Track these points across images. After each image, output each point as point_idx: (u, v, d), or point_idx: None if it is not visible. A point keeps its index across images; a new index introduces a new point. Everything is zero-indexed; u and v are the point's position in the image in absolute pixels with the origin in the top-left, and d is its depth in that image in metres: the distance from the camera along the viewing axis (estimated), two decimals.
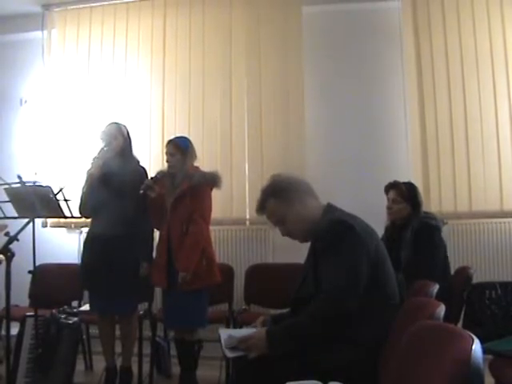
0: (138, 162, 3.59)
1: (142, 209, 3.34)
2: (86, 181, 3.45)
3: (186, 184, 3.30)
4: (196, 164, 3.46)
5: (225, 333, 2.16)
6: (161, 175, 3.39)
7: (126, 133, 3.56)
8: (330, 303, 1.92)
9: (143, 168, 3.57)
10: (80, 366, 3.78)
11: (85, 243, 3.53)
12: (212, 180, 3.36)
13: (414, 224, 3.23)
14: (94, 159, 3.47)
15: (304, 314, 1.98)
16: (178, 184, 3.35)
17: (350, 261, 1.96)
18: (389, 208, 3.37)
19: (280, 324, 2.08)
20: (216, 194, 3.46)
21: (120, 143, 3.49)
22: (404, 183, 3.42)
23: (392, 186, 3.41)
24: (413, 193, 3.36)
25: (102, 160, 3.42)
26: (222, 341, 2.07)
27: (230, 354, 2.01)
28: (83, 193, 3.47)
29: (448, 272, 3.26)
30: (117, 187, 3.31)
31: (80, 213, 3.47)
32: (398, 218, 3.35)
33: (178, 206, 3.30)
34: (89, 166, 3.46)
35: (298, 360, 1.89)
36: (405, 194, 3.33)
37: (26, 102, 4.98)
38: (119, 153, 3.48)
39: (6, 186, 3.13)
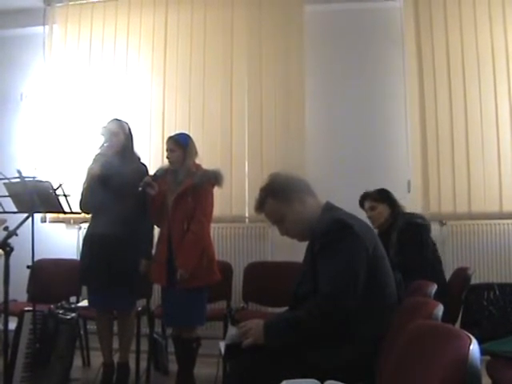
0: (139, 159, 3.57)
1: (141, 207, 3.34)
2: (87, 177, 3.45)
3: (189, 181, 3.29)
4: (196, 161, 3.45)
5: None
6: (161, 172, 3.38)
7: (127, 130, 3.54)
8: (329, 302, 1.91)
9: (144, 165, 3.55)
10: (77, 361, 3.77)
11: (84, 240, 3.53)
12: (214, 178, 3.34)
13: (399, 223, 3.28)
14: (95, 156, 3.47)
15: (303, 309, 1.98)
16: (180, 181, 3.33)
17: (348, 260, 1.96)
18: (369, 217, 3.41)
19: (278, 316, 2.09)
20: (215, 192, 3.45)
21: (121, 140, 3.47)
22: (373, 190, 3.50)
23: (364, 197, 3.52)
24: (384, 193, 3.46)
25: (103, 158, 3.41)
26: (222, 347, 2.07)
27: (224, 342, 2.04)
28: (84, 189, 3.47)
29: (439, 271, 3.24)
30: (117, 187, 3.29)
31: (80, 209, 3.47)
32: (382, 223, 3.40)
33: (179, 204, 3.28)
34: (90, 163, 3.46)
35: (295, 358, 1.89)
36: (377, 197, 3.44)
37: (26, 97, 4.97)
38: (120, 150, 3.46)
39: (6, 181, 3.12)
